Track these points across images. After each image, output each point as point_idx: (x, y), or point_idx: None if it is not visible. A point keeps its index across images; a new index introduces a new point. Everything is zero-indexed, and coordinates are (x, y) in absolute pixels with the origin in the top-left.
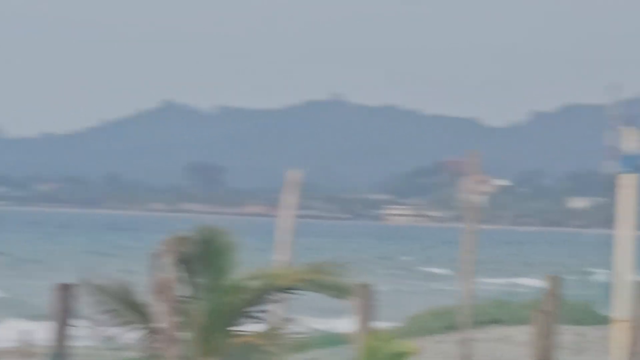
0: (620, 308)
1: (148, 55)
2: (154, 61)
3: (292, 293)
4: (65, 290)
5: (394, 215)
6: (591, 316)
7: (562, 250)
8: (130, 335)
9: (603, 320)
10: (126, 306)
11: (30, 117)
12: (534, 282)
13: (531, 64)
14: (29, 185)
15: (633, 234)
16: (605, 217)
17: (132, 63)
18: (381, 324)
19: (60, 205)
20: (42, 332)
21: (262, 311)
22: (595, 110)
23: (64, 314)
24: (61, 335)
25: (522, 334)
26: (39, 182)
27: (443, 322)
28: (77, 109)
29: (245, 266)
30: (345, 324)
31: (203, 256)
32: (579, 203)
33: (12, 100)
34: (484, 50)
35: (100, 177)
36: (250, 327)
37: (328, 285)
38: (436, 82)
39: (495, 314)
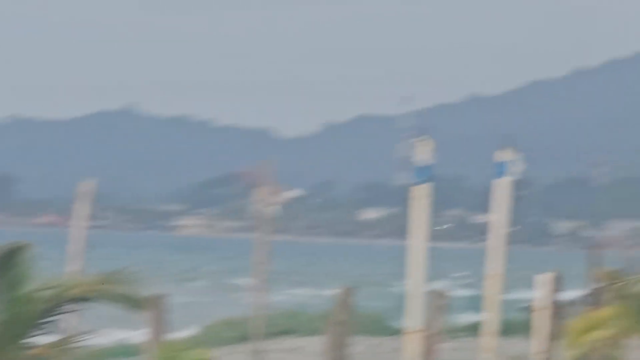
0: (413, 318)
1: None
2: None
3: (84, 303)
4: None
5: (187, 225)
6: (384, 327)
7: (355, 261)
8: None
9: (397, 331)
10: None
11: None
12: (327, 293)
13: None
14: None
15: (426, 245)
16: (398, 228)
17: None
18: (177, 335)
19: None
20: None
21: (54, 322)
22: (386, 121)
23: None
24: None
25: (314, 345)
26: None
27: (236, 332)
28: None
29: (38, 277)
30: (142, 335)
31: None
32: (370, 214)
33: None
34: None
35: None
36: (42, 339)
37: (120, 296)
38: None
39: (288, 325)
